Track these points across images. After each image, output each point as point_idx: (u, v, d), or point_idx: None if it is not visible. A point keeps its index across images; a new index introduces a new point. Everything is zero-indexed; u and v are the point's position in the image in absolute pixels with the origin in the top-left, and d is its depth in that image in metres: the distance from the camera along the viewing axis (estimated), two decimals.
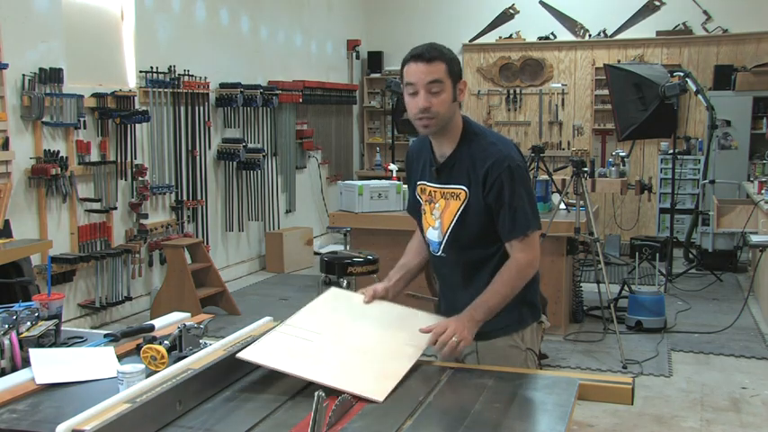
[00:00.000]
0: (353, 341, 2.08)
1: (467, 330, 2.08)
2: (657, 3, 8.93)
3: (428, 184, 2.29)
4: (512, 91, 9.52)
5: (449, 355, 2.08)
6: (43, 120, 5.06)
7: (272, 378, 1.94)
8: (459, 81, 2.16)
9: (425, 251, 2.42)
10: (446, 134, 2.20)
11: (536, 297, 2.34)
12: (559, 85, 9.31)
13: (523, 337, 2.27)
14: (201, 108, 6.72)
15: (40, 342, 2.11)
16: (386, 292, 2.34)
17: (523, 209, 2.15)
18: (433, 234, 2.28)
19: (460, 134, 2.21)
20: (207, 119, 6.80)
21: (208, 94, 6.79)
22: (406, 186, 5.69)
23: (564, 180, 6.07)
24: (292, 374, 1.86)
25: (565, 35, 9.32)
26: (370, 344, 2.08)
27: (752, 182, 7.05)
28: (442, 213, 2.24)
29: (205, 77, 6.70)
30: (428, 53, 2.11)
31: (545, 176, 5.72)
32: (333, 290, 2.41)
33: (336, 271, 4.69)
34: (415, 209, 2.39)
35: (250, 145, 7.34)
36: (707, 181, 7.44)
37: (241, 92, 7.05)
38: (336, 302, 2.32)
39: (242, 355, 1.92)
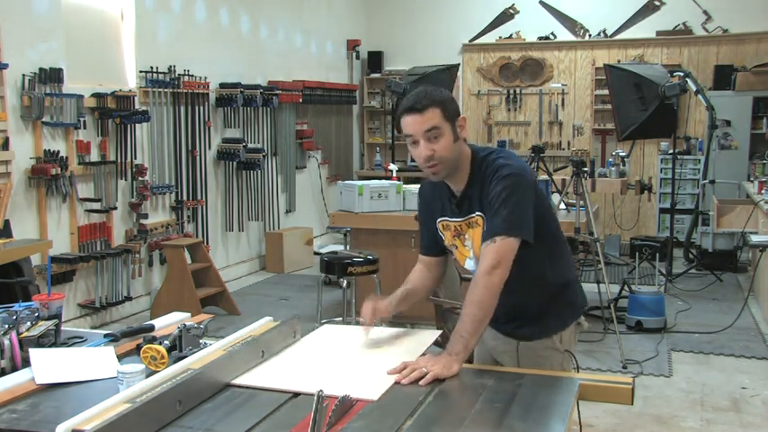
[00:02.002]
0: (346, 360, 2.10)
1: (440, 365, 1.95)
2: (657, 3, 8.93)
3: (450, 219, 2.26)
4: (512, 91, 9.52)
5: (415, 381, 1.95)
6: (43, 120, 5.06)
7: None
8: (457, 119, 2.13)
9: (429, 282, 2.39)
10: (457, 171, 2.18)
11: (576, 297, 2.33)
12: (559, 85, 9.31)
13: (562, 339, 2.27)
14: (201, 108, 6.72)
15: (40, 342, 2.11)
16: (387, 309, 2.28)
17: (500, 213, 2.07)
18: (470, 264, 2.25)
19: (470, 164, 2.18)
20: (207, 119, 6.80)
21: (208, 94, 6.79)
22: (406, 186, 5.70)
23: (564, 180, 6.07)
24: (286, 390, 1.87)
25: (565, 35, 9.32)
26: (362, 360, 2.09)
27: (752, 182, 7.05)
28: (473, 243, 2.21)
29: (205, 77, 6.70)
30: (420, 103, 2.09)
31: (545, 176, 5.72)
32: (325, 326, 2.47)
33: (336, 271, 4.70)
34: (434, 248, 2.34)
35: (250, 145, 7.34)
36: (707, 181, 7.44)
37: (241, 92, 7.04)
38: (328, 335, 2.36)
39: (235, 381, 1.92)
